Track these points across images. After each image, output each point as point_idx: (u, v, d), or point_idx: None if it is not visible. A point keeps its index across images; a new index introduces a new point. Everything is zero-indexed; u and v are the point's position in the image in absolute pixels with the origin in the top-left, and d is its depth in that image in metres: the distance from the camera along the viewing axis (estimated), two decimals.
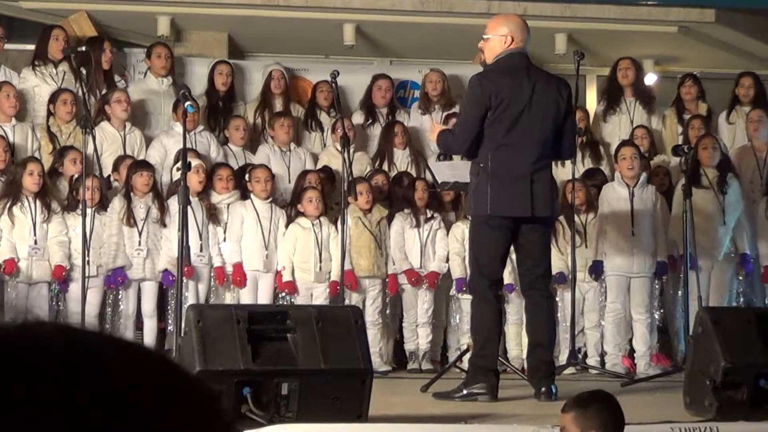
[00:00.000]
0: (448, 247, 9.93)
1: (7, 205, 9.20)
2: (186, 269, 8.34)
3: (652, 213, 9.89)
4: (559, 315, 9.81)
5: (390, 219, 9.98)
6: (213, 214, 9.64)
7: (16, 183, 9.25)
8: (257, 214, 9.72)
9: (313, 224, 9.71)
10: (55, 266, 9.22)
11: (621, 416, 4.59)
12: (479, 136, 7.32)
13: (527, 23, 7.54)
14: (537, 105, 7.27)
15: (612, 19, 11.69)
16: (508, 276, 9.13)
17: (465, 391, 7.30)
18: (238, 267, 9.64)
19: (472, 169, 7.48)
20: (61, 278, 9.23)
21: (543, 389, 7.33)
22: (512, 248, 7.59)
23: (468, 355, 8.60)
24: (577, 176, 9.64)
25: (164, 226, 9.49)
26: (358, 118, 11.21)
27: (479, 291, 7.48)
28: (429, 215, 10.01)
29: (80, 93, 9.51)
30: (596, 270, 9.85)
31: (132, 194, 9.48)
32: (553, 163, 7.94)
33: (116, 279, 9.39)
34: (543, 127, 7.29)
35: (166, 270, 9.42)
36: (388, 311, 9.98)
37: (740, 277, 10.17)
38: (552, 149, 7.39)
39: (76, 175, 9.38)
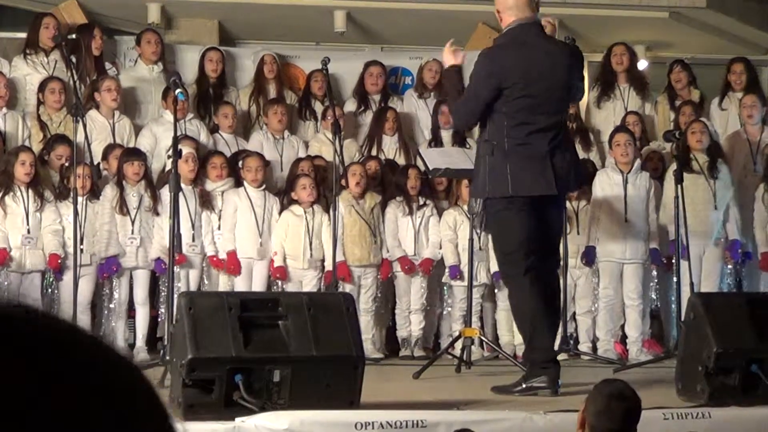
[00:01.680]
0: (441, 234, 9.92)
1: (1, 195, 9.19)
2: (177, 257, 8.32)
3: (646, 199, 9.89)
4: None
5: (383, 206, 9.96)
6: (206, 201, 9.63)
7: (8, 173, 9.23)
8: (251, 201, 9.71)
9: (305, 212, 9.70)
10: (49, 255, 9.21)
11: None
12: (486, 113, 7.11)
13: None
14: (551, 79, 7.08)
15: (603, 5, 11.65)
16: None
17: (524, 385, 7.05)
18: (232, 255, 9.63)
19: (482, 149, 7.22)
20: (57, 267, 9.22)
21: None
22: None
23: (459, 343, 8.64)
24: None
25: (157, 214, 9.49)
26: (350, 105, 11.20)
27: (513, 280, 7.23)
28: (421, 203, 10.00)
29: (71, 81, 9.47)
30: (589, 256, 9.85)
31: (124, 182, 9.46)
32: None
33: (110, 268, 9.39)
34: (559, 100, 7.14)
35: (158, 258, 9.42)
36: (380, 297, 9.96)
37: (728, 266, 10.13)
38: (566, 119, 7.29)
39: (67, 164, 9.36)
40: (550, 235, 7.26)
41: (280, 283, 9.71)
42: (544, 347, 7.17)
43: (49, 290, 9.36)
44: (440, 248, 9.93)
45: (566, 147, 7.19)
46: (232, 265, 9.62)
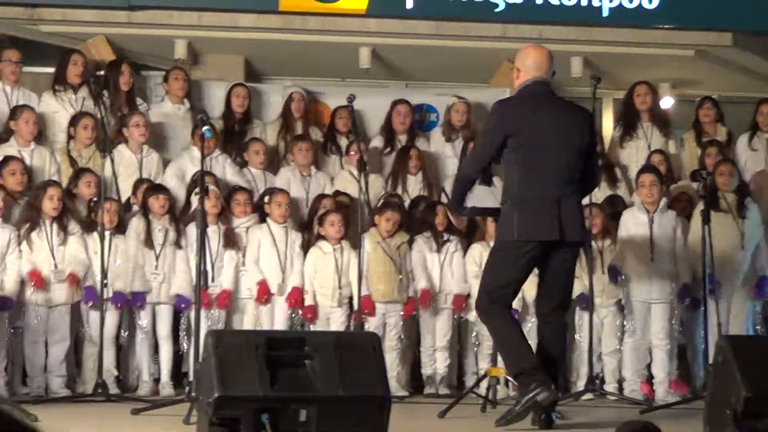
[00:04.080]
0: (466, 268, 9.90)
1: (26, 231, 9.23)
2: (204, 295, 8.31)
3: (672, 238, 9.83)
4: (577, 338, 9.80)
5: (410, 243, 9.97)
6: (230, 241, 9.63)
7: (35, 207, 9.27)
8: (273, 237, 9.71)
9: (334, 249, 9.72)
10: (68, 274, 9.20)
11: None
12: (489, 164, 7.30)
13: (549, 54, 7.44)
14: (560, 132, 7.20)
15: (628, 43, 11.64)
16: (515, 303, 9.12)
17: (522, 400, 7.06)
18: (263, 285, 9.64)
19: (501, 196, 7.40)
20: (76, 285, 9.19)
21: (542, 416, 7.16)
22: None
23: (485, 382, 8.58)
24: (594, 202, 9.58)
25: (179, 247, 9.48)
26: (377, 142, 11.24)
27: (485, 310, 7.34)
28: (446, 238, 9.99)
29: (99, 116, 9.52)
30: (613, 273, 9.76)
31: (150, 216, 9.49)
32: None
33: (134, 302, 9.39)
34: (568, 153, 7.20)
35: (179, 295, 9.44)
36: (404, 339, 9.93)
37: (758, 306, 10.05)
38: (578, 178, 7.27)
39: (95, 198, 9.39)
40: (554, 282, 7.31)
41: (299, 316, 9.68)
42: (527, 356, 7.16)
43: (82, 326, 9.36)
44: (466, 282, 9.90)
45: (574, 198, 7.26)
46: (264, 294, 9.61)
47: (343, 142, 11.09)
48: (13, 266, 9.13)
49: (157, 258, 9.46)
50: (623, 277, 9.77)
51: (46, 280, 9.18)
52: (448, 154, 11.17)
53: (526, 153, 7.16)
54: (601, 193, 10.50)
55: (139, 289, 9.40)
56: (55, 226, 9.28)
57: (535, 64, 7.32)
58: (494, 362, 8.95)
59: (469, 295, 9.85)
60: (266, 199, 9.88)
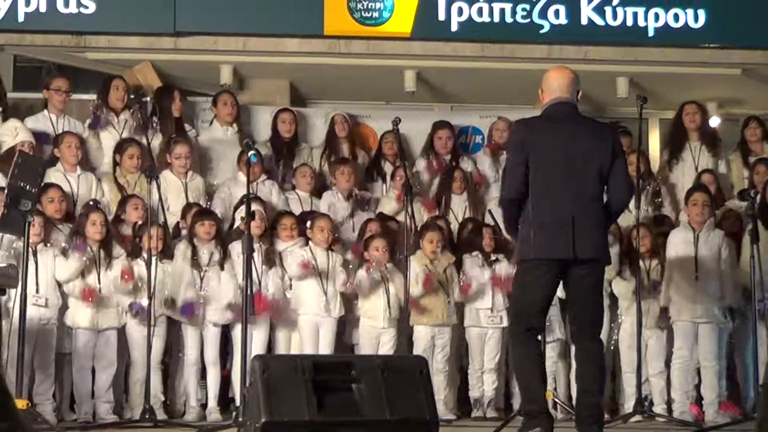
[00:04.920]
0: None
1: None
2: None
3: (718, 258, 9.77)
4: (624, 366, 9.76)
5: (458, 263, 9.96)
6: (270, 258, 9.66)
7: (80, 233, 9.35)
8: (316, 261, 9.74)
9: (380, 271, 9.71)
10: (122, 270, 9.24)
11: None
12: (526, 181, 7.23)
13: (574, 75, 7.42)
14: (578, 151, 7.16)
15: (674, 62, 11.59)
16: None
17: None
18: (305, 264, 9.65)
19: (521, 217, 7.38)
20: (129, 278, 9.23)
21: None
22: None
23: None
24: (642, 222, 9.53)
25: (222, 268, 9.53)
26: (420, 164, 11.22)
27: (515, 336, 7.34)
28: (494, 258, 9.99)
29: (144, 142, 9.59)
30: (662, 319, 9.76)
31: (195, 240, 9.56)
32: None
33: (189, 310, 9.41)
34: (586, 173, 7.15)
35: (223, 313, 9.46)
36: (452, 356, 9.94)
37: None
38: (598, 196, 7.23)
39: (140, 222, 9.46)
40: (577, 301, 7.28)
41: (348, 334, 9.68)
42: (539, 399, 7.17)
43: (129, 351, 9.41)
44: None
45: (594, 217, 7.19)
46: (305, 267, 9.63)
47: (388, 167, 11.11)
48: (68, 269, 9.21)
49: (201, 279, 9.49)
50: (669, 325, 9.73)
51: (93, 311, 9.23)
52: (493, 175, 11.16)
53: (544, 171, 7.14)
54: (648, 215, 10.47)
55: (189, 299, 9.42)
56: (102, 250, 9.36)
57: (558, 85, 7.34)
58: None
59: None
60: (308, 224, 9.90)
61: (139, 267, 9.27)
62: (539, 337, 7.34)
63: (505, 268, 9.96)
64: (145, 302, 9.02)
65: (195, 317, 9.47)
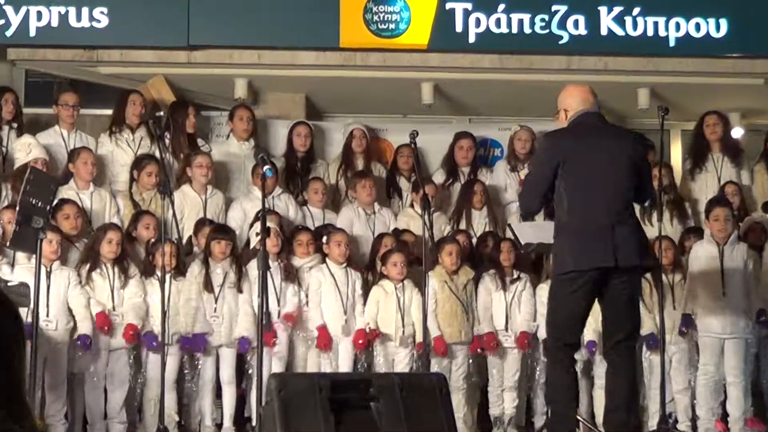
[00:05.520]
0: (535, 307, 9.84)
1: (87, 271, 9.26)
2: (266, 337, 8.30)
3: (744, 272, 9.70)
4: (646, 379, 9.67)
5: (476, 280, 9.91)
6: (290, 274, 9.62)
7: (95, 249, 9.32)
8: (334, 279, 9.69)
9: (396, 288, 9.65)
10: (126, 325, 9.19)
11: None
12: (549, 194, 7.25)
13: (590, 88, 7.48)
14: (610, 159, 7.17)
15: (696, 73, 11.56)
16: (592, 333, 9.05)
17: None
18: (323, 331, 9.57)
19: (554, 230, 7.36)
20: (132, 340, 9.19)
21: None
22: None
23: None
24: (665, 235, 9.48)
25: (240, 291, 9.49)
26: (439, 177, 11.19)
27: (553, 353, 7.35)
28: (515, 276, 9.94)
29: (160, 157, 9.59)
30: (686, 324, 9.68)
31: (210, 260, 9.50)
32: (641, 220, 7.80)
33: (197, 344, 9.34)
34: (618, 180, 7.16)
35: (243, 337, 9.40)
36: (473, 377, 9.87)
37: None
38: (632, 201, 7.28)
39: (153, 240, 9.44)
40: (615, 313, 7.24)
41: (364, 360, 9.61)
42: (569, 420, 7.21)
43: (143, 370, 9.35)
44: (534, 321, 9.83)
45: (630, 223, 7.19)
46: (324, 341, 9.54)
47: (404, 182, 11.07)
48: (79, 302, 9.13)
49: (216, 300, 9.45)
50: (693, 334, 9.67)
51: (113, 323, 9.20)
52: (514, 186, 11.10)
53: (576, 182, 7.14)
54: (672, 229, 10.42)
55: (201, 330, 9.38)
56: (117, 268, 9.32)
57: (581, 99, 7.36)
58: None
59: (536, 333, 9.79)
60: (324, 239, 9.87)
61: (152, 286, 9.24)
62: (576, 355, 7.34)
63: (526, 297, 9.90)
64: (157, 328, 8.93)
65: (207, 347, 9.40)
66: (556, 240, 7.23)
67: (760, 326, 9.70)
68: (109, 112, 10.93)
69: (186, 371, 9.52)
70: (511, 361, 9.87)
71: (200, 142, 10.92)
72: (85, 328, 9.07)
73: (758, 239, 10.19)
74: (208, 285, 9.44)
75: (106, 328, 9.13)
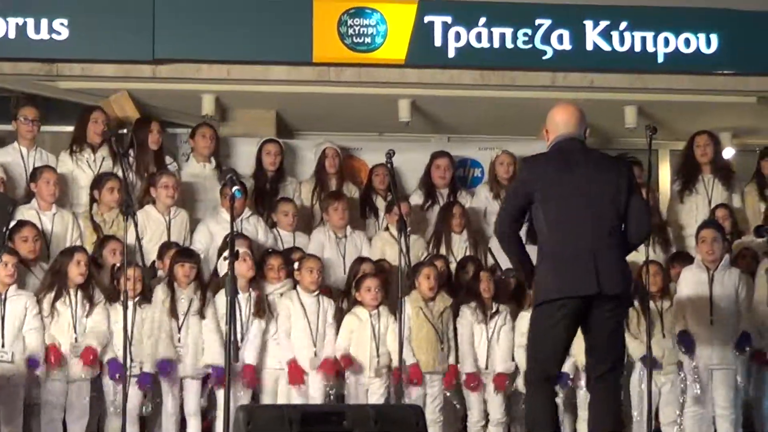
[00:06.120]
0: (514, 341, 9.77)
1: (48, 297, 9.15)
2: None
3: (735, 299, 9.68)
4: (635, 415, 9.60)
5: (454, 308, 9.82)
6: (260, 309, 9.52)
7: (60, 273, 9.22)
8: (304, 308, 9.60)
9: (371, 315, 9.58)
10: (85, 347, 9.07)
11: None
12: (521, 220, 7.26)
13: (581, 112, 7.41)
14: (592, 185, 7.14)
15: (685, 90, 11.59)
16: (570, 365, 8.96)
17: None
18: (293, 365, 9.46)
19: (537, 257, 7.33)
20: (90, 363, 9.06)
21: None
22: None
23: None
24: (653, 259, 9.42)
25: (203, 317, 9.37)
26: (416, 198, 11.16)
27: (533, 383, 7.30)
28: (494, 309, 9.86)
29: (123, 177, 9.43)
30: (686, 342, 9.57)
31: (175, 285, 9.41)
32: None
33: (164, 369, 9.21)
34: (600, 206, 7.12)
35: (207, 366, 9.30)
36: (456, 404, 9.78)
37: None
38: (617, 230, 7.18)
39: (118, 264, 9.32)
40: (599, 342, 7.19)
41: (335, 391, 9.51)
42: None
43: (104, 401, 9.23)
44: (513, 359, 9.76)
45: (614, 251, 7.13)
46: (296, 374, 9.43)
47: (380, 202, 11.02)
48: (35, 336, 9.02)
49: (179, 329, 9.34)
50: (694, 354, 9.61)
51: (65, 357, 9.08)
52: (494, 208, 10.99)
53: (557, 208, 7.12)
54: (655, 256, 10.33)
55: (166, 356, 9.25)
56: (80, 294, 9.23)
57: (563, 122, 7.35)
58: None
59: (515, 372, 9.74)
60: (296, 265, 9.75)
61: (117, 312, 9.07)
62: (556, 387, 7.36)
63: (505, 332, 9.82)
64: (120, 353, 8.74)
65: (172, 375, 9.27)
66: (537, 267, 7.21)
67: (740, 353, 9.59)
68: (70, 128, 10.86)
69: (149, 400, 9.34)
70: (490, 396, 9.79)
71: (168, 160, 10.85)
72: (35, 354, 8.97)
73: (748, 266, 10.18)
74: (173, 311, 9.34)
75: (53, 361, 8.99)
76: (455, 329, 9.81)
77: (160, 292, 9.38)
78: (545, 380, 7.16)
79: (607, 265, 7.03)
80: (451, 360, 9.73)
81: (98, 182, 10.18)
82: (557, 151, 7.30)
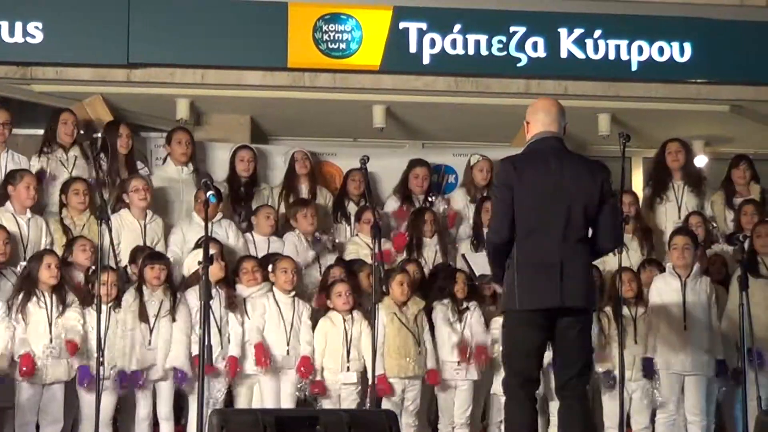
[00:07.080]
0: (486, 326, 9.87)
1: (20, 301, 9.15)
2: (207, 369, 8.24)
3: (707, 306, 9.77)
4: (606, 420, 9.70)
5: (428, 310, 9.89)
6: (232, 303, 9.58)
7: (31, 277, 9.21)
8: (280, 309, 9.68)
9: (344, 320, 9.64)
10: (65, 341, 9.06)
11: None
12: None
13: (560, 107, 7.43)
14: (564, 190, 7.14)
15: (658, 98, 11.64)
16: None
17: None
18: (259, 346, 9.52)
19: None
20: (74, 351, 9.08)
21: None
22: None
23: None
24: (628, 266, 9.49)
25: (174, 320, 9.43)
26: (392, 204, 11.22)
27: (510, 390, 7.33)
28: (464, 306, 9.95)
29: (96, 180, 9.49)
30: (647, 368, 9.72)
31: (144, 288, 9.44)
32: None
33: (135, 380, 9.25)
34: (572, 213, 7.13)
35: (175, 368, 9.35)
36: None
37: None
38: (587, 237, 7.22)
39: (93, 267, 9.33)
40: (564, 350, 7.25)
41: (307, 388, 9.59)
42: None
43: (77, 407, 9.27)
44: (490, 343, 9.81)
45: (580, 261, 7.18)
46: (261, 357, 9.48)
47: (353, 207, 11.06)
48: (1, 340, 9.03)
49: (151, 331, 9.39)
50: (657, 374, 9.72)
51: (40, 363, 9.07)
52: (471, 216, 11.08)
53: (528, 213, 7.12)
54: (636, 258, 10.45)
55: (136, 367, 9.29)
56: (54, 297, 9.22)
57: (546, 117, 7.32)
58: None
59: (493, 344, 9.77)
60: (270, 267, 9.84)
61: (91, 317, 9.09)
62: (536, 392, 7.31)
63: (476, 317, 9.92)
64: (94, 361, 8.78)
65: (143, 384, 9.32)
66: (506, 273, 7.23)
67: (721, 375, 9.73)
68: (41, 131, 10.79)
69: (121, 407, 9.42)
70: (462, 398, 9.87)
71: (139, 165, 10.83)
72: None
73: (718, 273, 10.27)
74: (143, 315, 9.37)
75: (26, 369, 9.00)
76: (431, 330, 9.87)
77: (129, 297, 9.38)
78: (523, 384, 7.19)
79: (572, 277, 7.06)
80: (431, 364, 9.78)
81: (66, 186, 10.15)
82: (534, 151, 7.28)
